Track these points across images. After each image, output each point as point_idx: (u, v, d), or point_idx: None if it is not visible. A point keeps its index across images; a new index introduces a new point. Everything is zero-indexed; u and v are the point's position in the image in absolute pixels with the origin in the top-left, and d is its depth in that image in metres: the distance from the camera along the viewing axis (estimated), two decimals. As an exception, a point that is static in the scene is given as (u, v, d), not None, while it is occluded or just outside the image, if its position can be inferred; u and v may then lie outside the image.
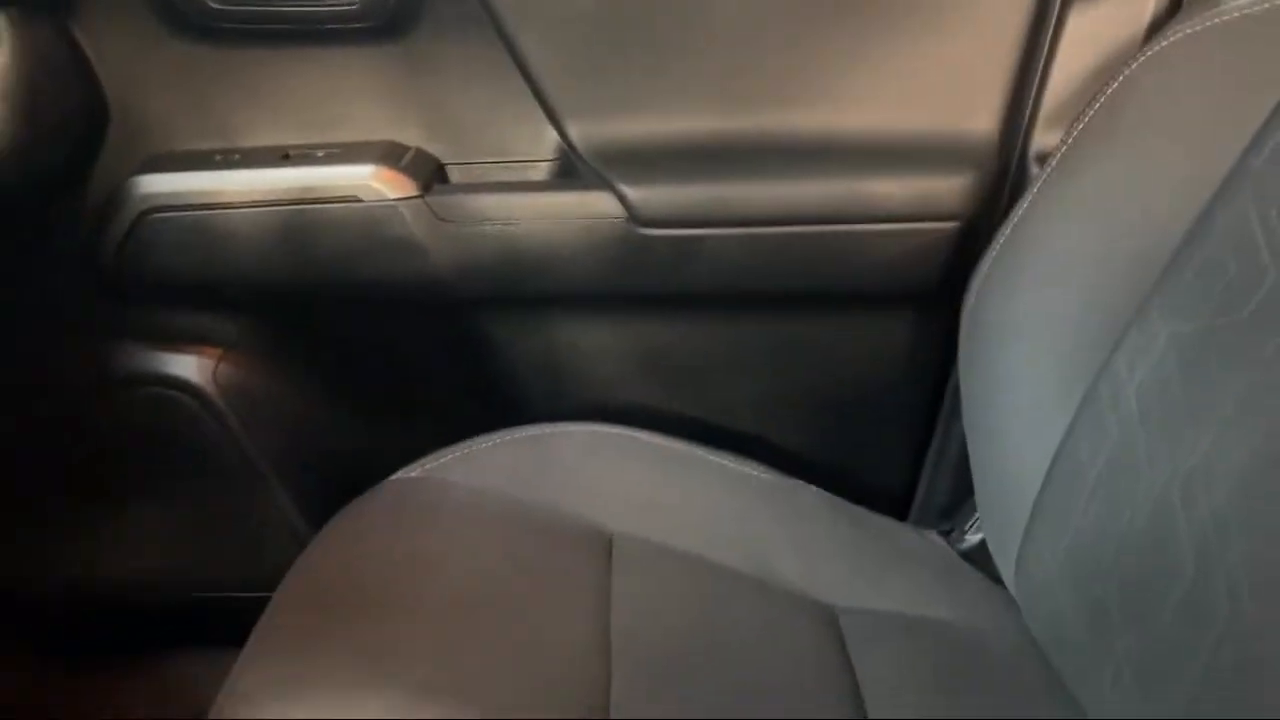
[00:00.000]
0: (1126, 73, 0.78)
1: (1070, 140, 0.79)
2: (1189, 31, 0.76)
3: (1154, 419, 0.67)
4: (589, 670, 0.63)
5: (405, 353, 1.00)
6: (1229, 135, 0.68)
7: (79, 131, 0.88)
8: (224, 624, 1.03)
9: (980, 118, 0.90)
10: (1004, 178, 0.90)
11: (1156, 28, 0.83)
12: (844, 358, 0.97)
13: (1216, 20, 0.74)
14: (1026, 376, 0.79)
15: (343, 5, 0.87)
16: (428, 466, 0.83)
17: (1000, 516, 0.82)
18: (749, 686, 0.66)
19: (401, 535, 0.74)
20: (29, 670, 1.08)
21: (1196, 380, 0.65)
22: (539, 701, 0.59)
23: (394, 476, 0.82)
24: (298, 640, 0.64)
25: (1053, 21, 0.88)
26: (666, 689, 0.63)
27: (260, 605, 0.74)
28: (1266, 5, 0.72)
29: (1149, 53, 0.78)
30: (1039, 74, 0.89)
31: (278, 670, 0.61)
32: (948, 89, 0.90)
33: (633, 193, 0.90)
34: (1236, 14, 0.73)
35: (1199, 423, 0.64)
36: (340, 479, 0.90)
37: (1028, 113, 0.90)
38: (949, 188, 0.90)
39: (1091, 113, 0.79)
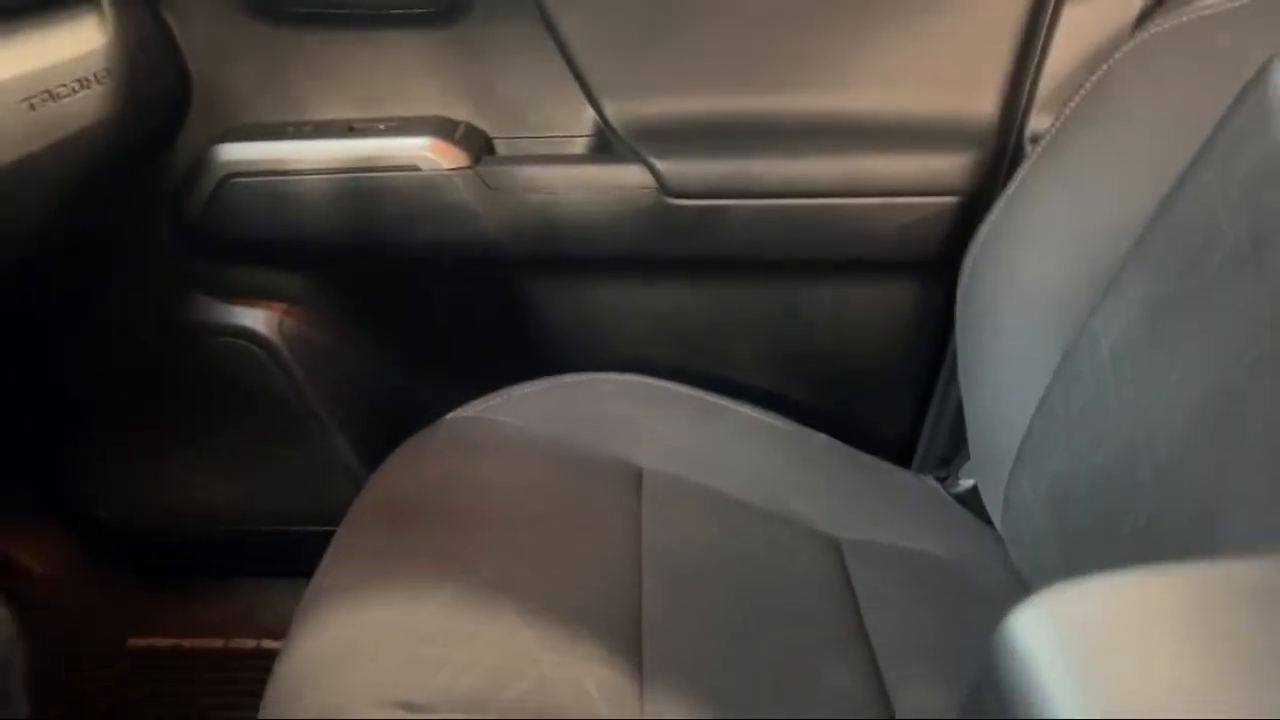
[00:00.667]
0: (1111, 62, 0.86)
1: (1059, 123, 0.88)
2: (1168, 26, 0.84)
3: (1124, 370, 0.76)
4: (623, 576, 0.73)
5: (454, 308, 1.09)
6: (1199, 119, 0.76)
7: (167, 104, 0.97)
8: (285, 555, 1.12)
9: (981, 101, 0.98)
10: (1002, 156, 0.98)
11: (1143, 21, 0.91)
12: (853, 320, 1.05)
13: (1193, 15, 0.82)
14: (1015, 336, 0.87)
15: (404, -7, 0.96)
16: (479, 408, 0.92)
17: (989, 462, 0.91)
18: (761, 595, 0.75)
19: (459, 464, 0.84)
20: (110, 589, 1.18)
21: (1161, 336, 0.74)
22: (582, 599, 0.68)
23: (449, 416, 0.92)
24: (373, 547, 0.73)
25: (1049, 13, 0.96)
26: (689, 594, 0.72)
27: (318, 537, 0.83)
28: (1237, 3, 0.80)
29: (1131, 44, 0.86)
30: (1036, 61, 0.97)
31: (357, 570, 0.70)
32: (951, 74, 0.98)
33: (663, 166, 0.99)
34: (1209, 11, 0.81)
35: (1161, 373, 0.72)
36: (392, 423, 0.99)
37: (1025, 97, 0.98)
38: (951, 165, 0.99)
39: (1078, 98, 0.87)
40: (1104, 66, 0.86)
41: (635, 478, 0.86)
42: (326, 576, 0.71)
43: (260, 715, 0.61)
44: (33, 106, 0.72)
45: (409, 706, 0.57)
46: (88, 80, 0.80)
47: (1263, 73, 0.72)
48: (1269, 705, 0.33)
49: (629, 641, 0.66)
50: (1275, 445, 0.61)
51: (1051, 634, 0.35)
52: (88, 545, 1.18)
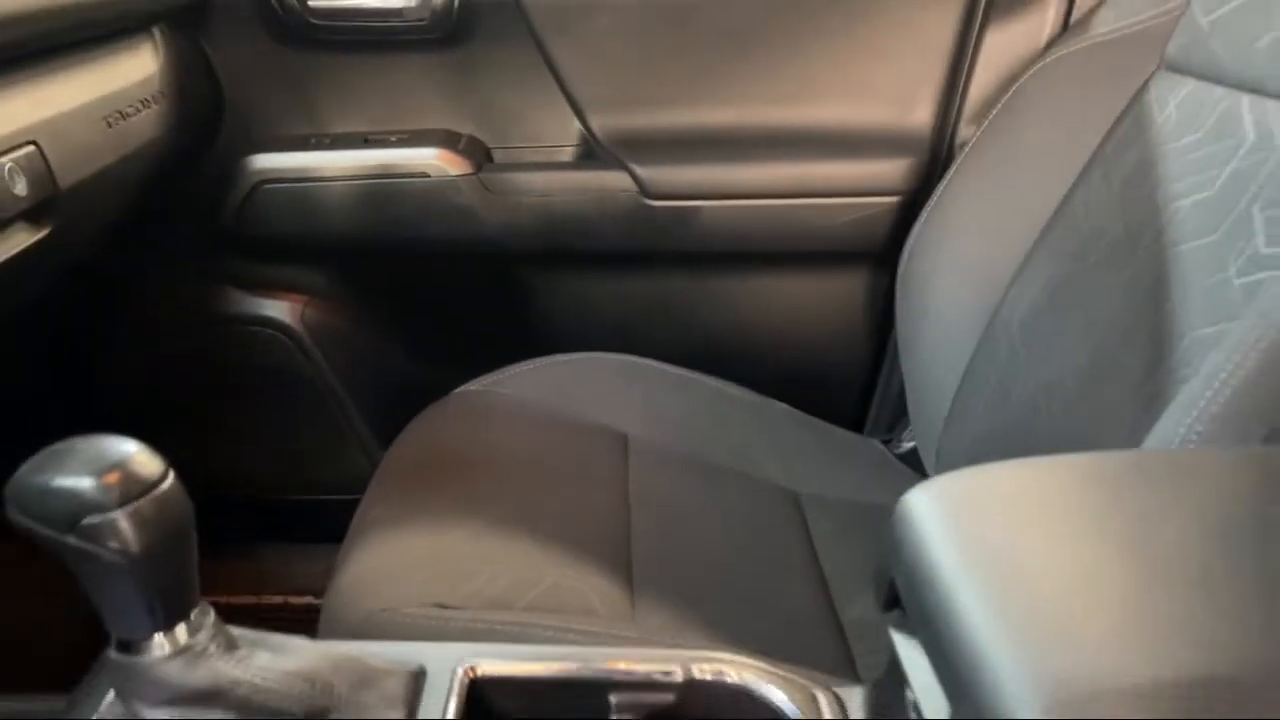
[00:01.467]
0: (1022, 80, 1.01)
1: (980, 132, 1.02)
2: (1068, 50, 0.98)
3: (1030, 339, 0.90)
4: (615, 517, 0.86)
5: (459, 298, 1.22)
6: (1092, 128, 0.90)
7: (205, 120, 1.10)
8: (307, 521, 1.25)
9: (917, 114, 1.13)
10: (935, 161, 1.12)
11: (1050, 46, 1.05)
12: (809, 304, 1.19)
13: (1089, 41, 0.97)
14: (945, 315, 1.01)
15: (414, 21, 1.09)
16: (483, 383, 1.05)
17: (925, 425, 1.05)
18: (731, 534, 0.88)
19: (470, 429, 0.97)
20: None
21: (1059, 309, 0.88)
22: (582, 532, 0.82)
23: (458, 390, 1.04)
24: (405, 491, 0.86)
25: (973, 39, 1.10)
26: (670, 531, 0.86)
27: (336, 504, 0.94)
28: (1125, 30, 0.94)
29: (1039, 65, 1.00)
30: (963, 79, 1.12)
31: (393, 509, 0.83)
32: (892, 91, 1.12)
33: (642, 171, 1.12)
34: (1101, 37, 0.96)
35: (1058, 340, 0.86)
36: (403, 401, 1.11)
37: (954, 110, 1.12)
38: (892, 169, 1.13)
39: (996, 110, 1.02)
40: (1017, 84, 1.01)
41: (622, 441, 0.99)
42: (370, 511, 0.83)
43: (321, 621, 0.73)
44: (110, 124, 0.85)
45: (444, 607, 0.70)
46: (148, 101, 0.93)
47: (1142, 89, 0.87)
48: (1110, 553, 0.47)
49: (621, 565, 0.79)
50: (1140, 396, 0.75)
51: (939, 503, 0.48)
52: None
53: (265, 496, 1.28)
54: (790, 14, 1.10)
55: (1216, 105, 0.78)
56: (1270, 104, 0.73)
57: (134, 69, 0.92)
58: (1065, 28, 1.07)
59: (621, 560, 0.80)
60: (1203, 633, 0.38)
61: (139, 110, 0.91)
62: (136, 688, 0.46)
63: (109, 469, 0.43)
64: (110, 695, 0.49)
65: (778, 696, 0.53)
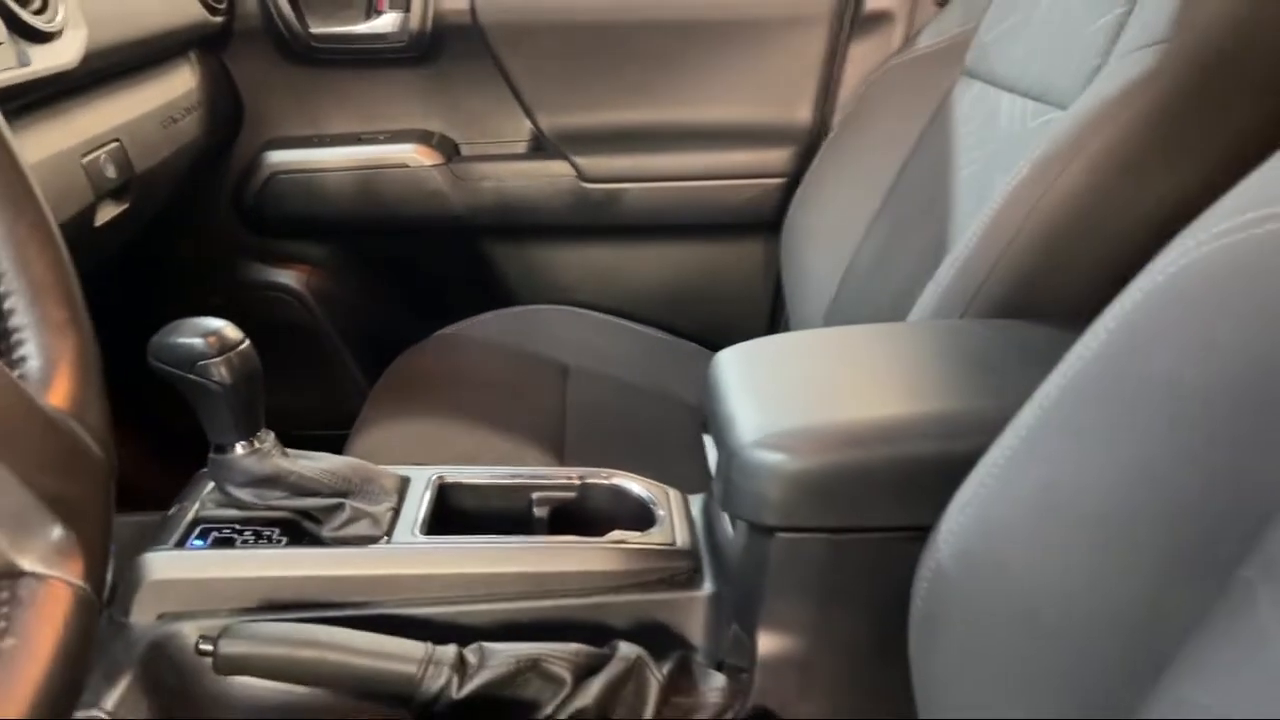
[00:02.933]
0: (868, 85, 1.28)
1: (837, 127, 1.29)
2: (900, 60, 1.25)
3: (870, 281, 1.16)
4: (555, 415, 1.12)
5: (433, 264, 1.48)
6: (915, 122, 1.17)
7: (228, 123, 1.35)
8: (309, 449, 1.50)
9: (798, 111, 1.40)
10: (812, 150, 1.39)
11: (890, 58, 1.32)
12: (715, 265, 1.46)
13: (914, 54, 1.24)
14: (814, 264, 1.28)
15: (395, 43, 1.35)
16: (453, 329, 1.31)
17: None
18: (642, 427, 1.15)
19: (444, 362, 1.23)
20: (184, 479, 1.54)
21: (897, 247, 1.13)
22: (529, 424, 1.08)
23: (435, 334, 1.30)
24: (397, 400, 1.12)
25: (840, 55, 1.37)
26: (595, 425, 1.12)
27: (335, 437, 1.19)
28: (940, 45, 1.21)
29: (879, 73, 1.27)
30: (832, 84, 1.39)
31: (388, 411, 1.09)
32: (778, 94, 1.39)
33: (580, 160, 1.39)
34: (922, 51, 1.23)
35: (897, 267, 1.12)
36: (386, 349, 1.36)
37: (826, 108, 1.39)
38: (779, 157, 1.40)
39: (850, 109, 1.29)
40: (863, 90, 1.28)
41: (563, 370, 1.25)
42: (370, 410, 1.10)
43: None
44: (165, 126, 1.10)
45: (421, 465, 0.96)
46: (189, 109, 1.18)
47: (949, 90, 1.14)
48: (837, 371, 0.71)
49: (556, 444, 1.05)
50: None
51: (735, 354, 0.73)
52: (166, 449, 1.53)
53: (274, 428, 1.53)
54: (697, 35, 1.37)
55: (988, 102, 1.05)
56: (1019, 100, 1.00)
57: (179, 84, 1.17)
58: (905, 44, 1.33)
59: (556, 441, 1.07)
60: (881, 403, 0.65)
61: (184, 116, 1.16)
62: (226, 475, 0.72)
63: (211, 333, 0.70)
64: (210, 484, 0.75)
65: (642, 492, 0.79)
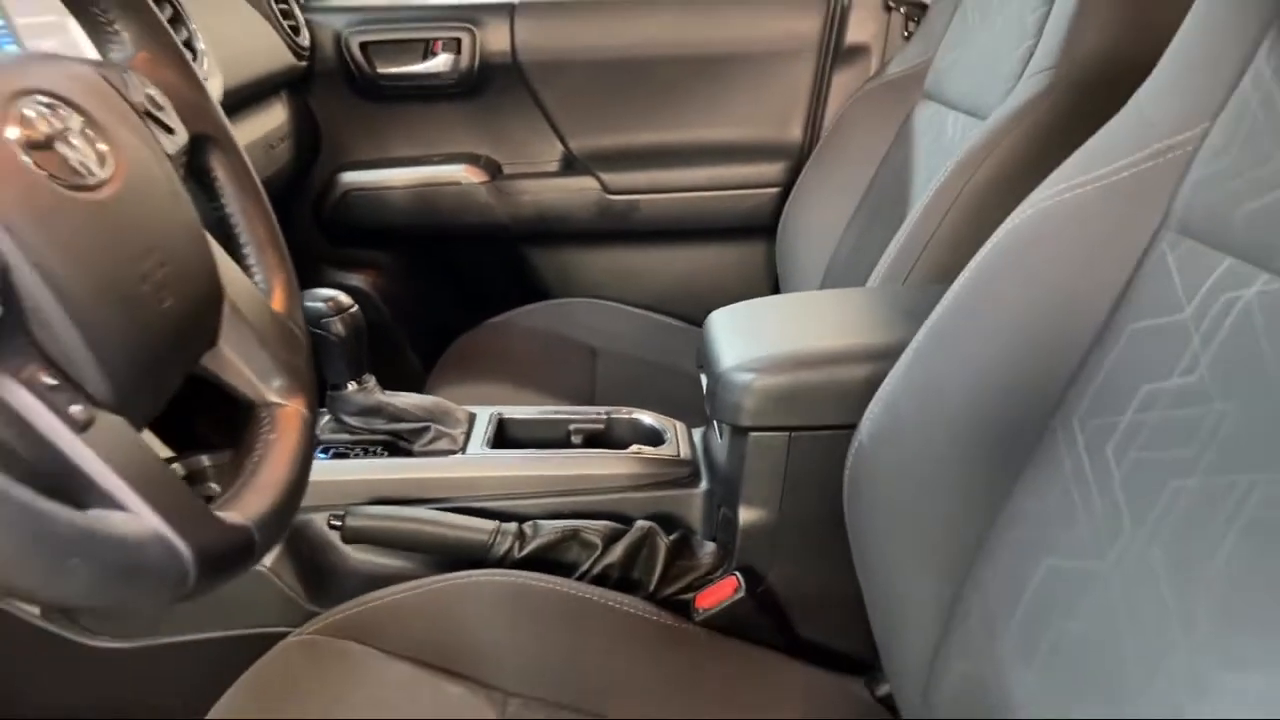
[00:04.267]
0: (845, 108, 1.49)
1: (821, 144, 1.51)
2: (872, 86, 1.47)
3: (847, 267, 1.37)
4: (584, 394, 1.34)
5: (479, 266, 1.71)
6: (884, 139, 1.38)
7: (309, 149, 1.59)
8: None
9: (791, 132, 1.62)
10: (803, 164, 1.60)
11: (865, 84, 1.53)
12: (721, 262, 1.67)
13: (882, 81, 1.45)
14: (804, 262, 1.49)
15: (447, 80, 1.58)
16: (500, 319, 1.53)
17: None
18: (660, 390, 1.36)
19: (492, 346, 1.45)
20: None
21: (862, 250, 1.35)
22: (561, 389, 1.29)
23: (485, 322, 1.53)
24: (451, 385, 1.34)
25: (824, 82, 1.59)
26: (621, 396, 1.33)
27: None
28: (906, 72, 1.42)
29: (857, 96, 1.49)
30: (820, 107, 1.60)
31: (445, 390, 1.31)
32: (774, 115, 1.61)
33: (604, 176, 1.61)
34: (890, 78, 1.44)
35: (859, 266, 1.34)
36: (440, 337, 1.58)
37: (815, 127, 1.61)
38: (774, 170, 1.62)
39: (831, 128, 1.50)
40: (844, 109, 1.50)
41: (592, 352, 1.47)
42: (433, 382, 1.32)
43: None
44: (266, 152, 1.34)
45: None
46: (282, 138, 1.42)
47: (911, 112, 1.35)
48: (809, 319, 0.92)
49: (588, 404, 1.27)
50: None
51: (726, 311, 0.94)
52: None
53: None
54: (702, 68, 1.59)
55: (939, 119, 1.26)
56: (960, 116, 1.21)
57: (275, 117, 1.41)
58: (878, 71, 1.55)
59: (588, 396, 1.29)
60: (826, 338, 0.86)
61: (279, 143, 1.40)
62: (341, 407, 0.95)
63: (330, 299, 0.92)
64: (327, 416, 0.98)
65: (654, 422, 1.01)
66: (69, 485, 0.39)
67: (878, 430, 0.75)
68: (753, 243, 1.67)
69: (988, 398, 0.68)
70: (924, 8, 1.46)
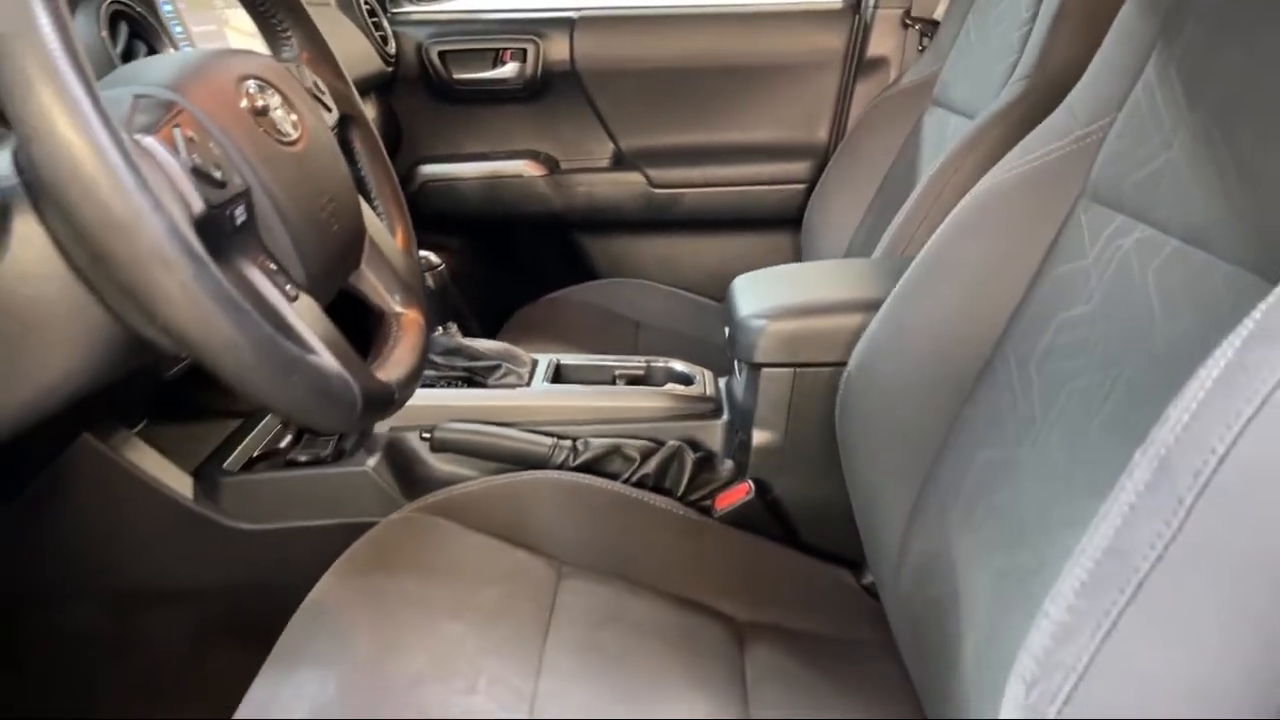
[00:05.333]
0: (865, 114, 1.66)
1: (843, 144, 1.68)
2: (889, 94, 1.64)
3: (863, 249, 1.55)
4: (627, 350, 1.52)
5: (538, 249, 1.90)
6: (899, 138, 1.54)
7: (392, 144, 1.80)
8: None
9: (818, 134, 1.79)
10: (826, 163, 1.78)
11: (881, 93, 1.70)
12: (753, 249, 1.85)
13: (899, 90, 1.62)
14: (825, 248, 1.66)
15: (514, 85, 1.78)
16: (556, 295, 1.72)
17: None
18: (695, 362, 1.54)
19: (548, 317, 1.64)
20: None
21: (874, 232, 1.52)
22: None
23: (543, 297, 1.72)
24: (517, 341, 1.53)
25: (848, 91, 1.76)
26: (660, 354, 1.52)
27: None
28: (917, 80, 1.58)
29: (876, 102, 1.66)
30: (843, 113, 1.78)
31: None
32: (803, 121, 1.79)
33: (650, 172, 1.80)
34: (906, 85, 1.60)
35: (871, 248, 1.51)
36: (501, 313, 1.77)
37: (839, 129, 1.79)
38: (802, 168, 1.79)
39: (851, 133, 1.68)
40: (864, 114, 1.67)
41: (635, 325, 1.65)
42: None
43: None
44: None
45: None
46: (373, 132, 1.62)
47: (921, 117, 1.51)
48: (823, 281, 1.10)
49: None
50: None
51: (748, 276, 1.13)
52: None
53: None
54: (739, 76, 1.77)
55: (942, 122, 1.43)
56: (960, 119, 1.37)
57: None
58: (894, 80, 1.72)
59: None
60: (826, 293, 1.03)
61: (370, 137, 1.60)
62: (428, 347, 1.14)
63: (422, 258, 1.12)
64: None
65: (685, 368, 1.19)
66: (287, 337, 0.58)
67: (862, 365, 0.92)
68: (779, 234, 1.84)
69: (945, 333, 0.85)
70: (936, 24, 1.63)
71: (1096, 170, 0.78)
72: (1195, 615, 0.45)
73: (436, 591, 0.82)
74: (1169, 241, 0.66)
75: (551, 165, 1.83)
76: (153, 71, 0.60)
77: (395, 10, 1.82)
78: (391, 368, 0.69)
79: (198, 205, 0.54)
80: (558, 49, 1.76)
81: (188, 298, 0.49)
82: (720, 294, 1.88)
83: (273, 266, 0.59)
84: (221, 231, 0.56)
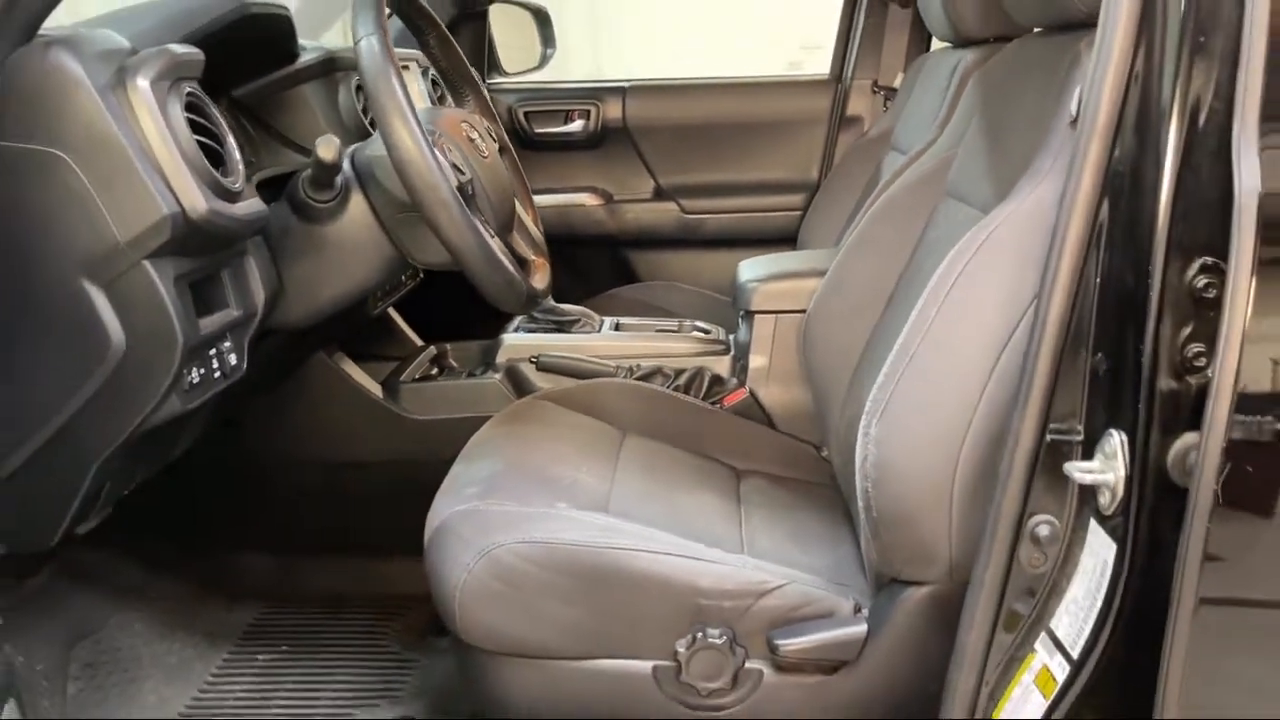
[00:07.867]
0: (843, 158, 2.15)
1: (825, 181, 2.17)
2: (861, 143, 2.12)
3: (857, 246, 2.03)
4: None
5: (596, 260, 2.40)
6: (864, 178, 2.03)
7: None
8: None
9: (810, 173, 2.29)
10: (814, 195, 2.26)
11: (855, 142, 2.19)
12: (760, 262, 2.34)
13: (868, 139, 2.10)
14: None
15: (579, 137, 2.29)
16: (611, 291, 2.22)
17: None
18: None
19: (613, 306, 2.13)
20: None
21: (854, 246, 2.00)
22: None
23: (600, 294, 2.21)
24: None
25: (834, 141, 2.26)
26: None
27: None
28: (881, 131, 2.08)
29: (850, 150, 2.14)
30: (829, 157, 2.28)
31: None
32: (798, 163, 2.29)
33: (682, 201, 2.30)
34: (874, 135, 2.09)
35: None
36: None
37: (824, 170, 2.28)
38: (795, 199, 2.28)
39: (833, 173, 2.17)
40: (843, 158, 2.16)
41: (668, 314, 2.13)
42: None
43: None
44: (470, 178, 2.05)
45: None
46: (477, 170, 2.14)
47: (881, 160, 2.00)
48: (802, 262, 1.58)
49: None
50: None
51: (752, 260, 1.62)
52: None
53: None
54: (750, 130, 2.28)
55: (895, 159, 1.91)
56: (900, 155, 1.86)
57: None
58: (866, 133, 2.22)
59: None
60: (806, 267, 1.53)
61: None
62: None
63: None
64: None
65: (705, 325, 1.68)
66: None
67: (815, 310, 1.40)
68: (779, 248, 2.32)
69: (865, 286, 1.33)
70: (895, 91, 2.13)
71: (950, 175, 1.26)
72: (937, 382, 0.92)
73: (549, 431, 1.31)
74: (963, 208, 1.15)
75: (607, 197, 2.33)
76: (424, 117, 1.11)
77: (491, 81, 2.35)
78: (536, 284, 1.18)
79: (453, 181, 1.04)
80: (613, 110, 2.28)
81: (457, 225, 0.99)
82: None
83: (484, 219, 1.09)
84: (465, 196, 1.06)
